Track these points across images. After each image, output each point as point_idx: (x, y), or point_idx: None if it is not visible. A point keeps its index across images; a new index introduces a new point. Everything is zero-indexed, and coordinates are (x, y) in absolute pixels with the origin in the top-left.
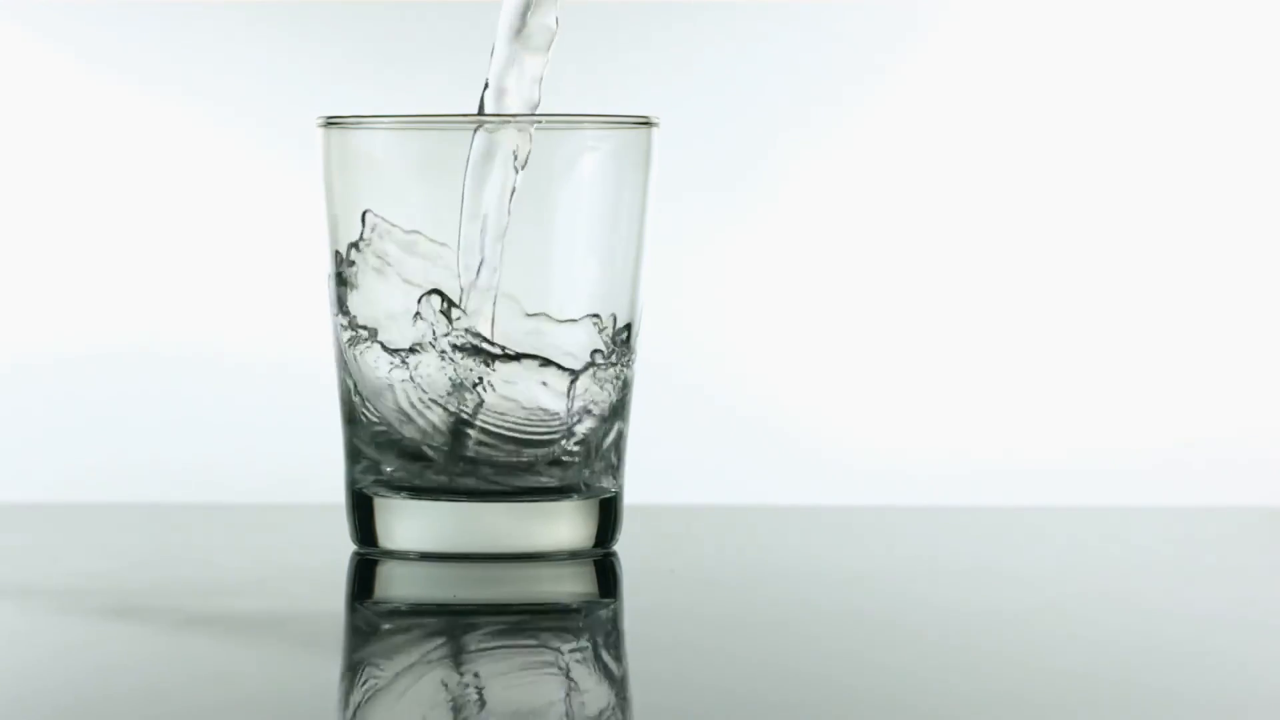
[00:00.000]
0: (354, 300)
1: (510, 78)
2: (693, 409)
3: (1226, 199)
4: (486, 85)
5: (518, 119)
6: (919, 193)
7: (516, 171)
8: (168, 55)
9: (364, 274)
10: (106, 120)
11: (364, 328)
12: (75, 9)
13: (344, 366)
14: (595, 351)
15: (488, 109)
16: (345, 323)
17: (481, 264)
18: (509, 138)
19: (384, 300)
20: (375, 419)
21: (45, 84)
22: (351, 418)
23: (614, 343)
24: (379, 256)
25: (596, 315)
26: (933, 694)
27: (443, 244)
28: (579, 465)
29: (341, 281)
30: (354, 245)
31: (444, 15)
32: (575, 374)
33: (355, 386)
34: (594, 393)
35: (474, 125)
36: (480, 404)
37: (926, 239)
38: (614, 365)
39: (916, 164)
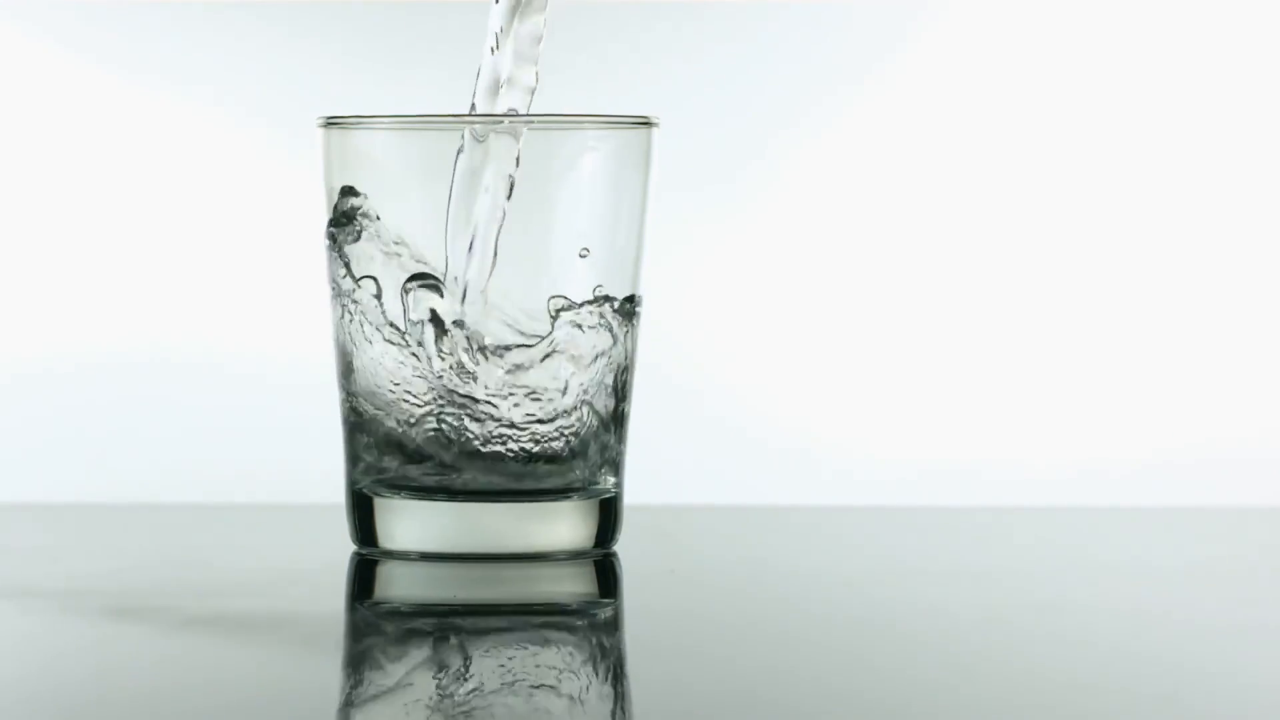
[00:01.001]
0: (351, 251)
1: (502, 87)
2: (692, 409)
3: (1226, 201)
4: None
5: (517, 119)
6: (918, 194)
7: (512, 175)
8: (167, 55)
9: (360, 230)
10: (106, 121)
11: (361, 278)
12: (75, 8)
13: (340, 324)
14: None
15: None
16: (343, 273)
17: (470, 260)
18: (503, 141)
19: (377, 264)
20: (368, 391)
21: (45, 84)
22: (348, 390)
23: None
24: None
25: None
26: (932, 695)
27: (423, 262)
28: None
29: (339, 224)
30: (348, 195)
31: (445, 15)
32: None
33: (350, 338)
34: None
35: (473, 126)
36: (467, 401)
37: (925, 240)
38: (579, 309)
39: (915, 165)
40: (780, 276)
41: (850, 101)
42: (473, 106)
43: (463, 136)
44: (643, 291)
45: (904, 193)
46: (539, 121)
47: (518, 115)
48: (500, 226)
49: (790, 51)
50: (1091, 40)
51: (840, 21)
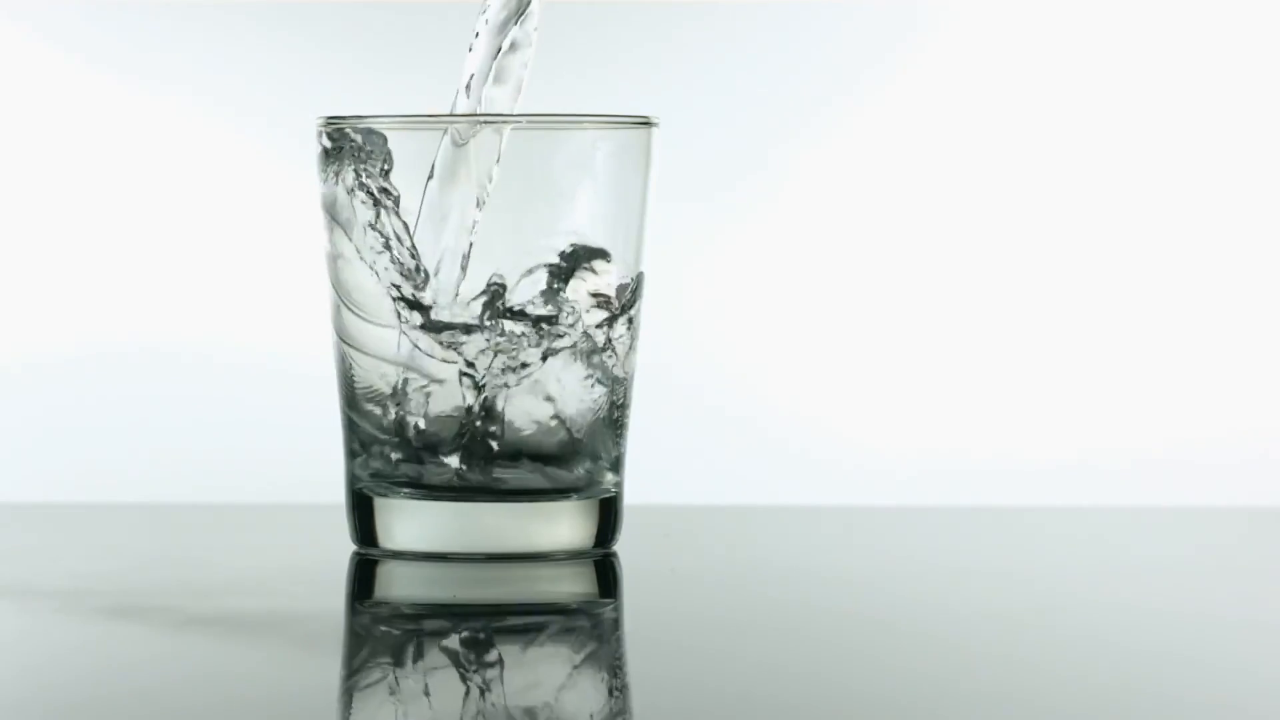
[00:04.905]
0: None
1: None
2: (693, 409)
3: (1226, 199)
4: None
5: (517, 119)
6: (918, 194)
7: (490, 176)
8: (166, 56)
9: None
10: (106, 121)
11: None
12: (75, 8)
13: (335, 278)
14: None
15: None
16: (344, 185)
17: (442, 262)
18: (484, 139)
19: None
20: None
21: (45, 84)
22: (344, 368)
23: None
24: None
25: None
26: (932, 694)
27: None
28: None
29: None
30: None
31: (444, 15)
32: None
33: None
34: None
35: (473, 125)
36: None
37: (925, 240)
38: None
39: (916, 165)
40: (781, 277)
41: (855, 102)
42: (454, 105)
43: (440, 141)
44: (643, 291)
45: (906, 194)
46: (540, 122)
47: (519, 115)
48: (471, 240)
49: (792, 52)
50: (1089, 48)
51: (842, 24)
